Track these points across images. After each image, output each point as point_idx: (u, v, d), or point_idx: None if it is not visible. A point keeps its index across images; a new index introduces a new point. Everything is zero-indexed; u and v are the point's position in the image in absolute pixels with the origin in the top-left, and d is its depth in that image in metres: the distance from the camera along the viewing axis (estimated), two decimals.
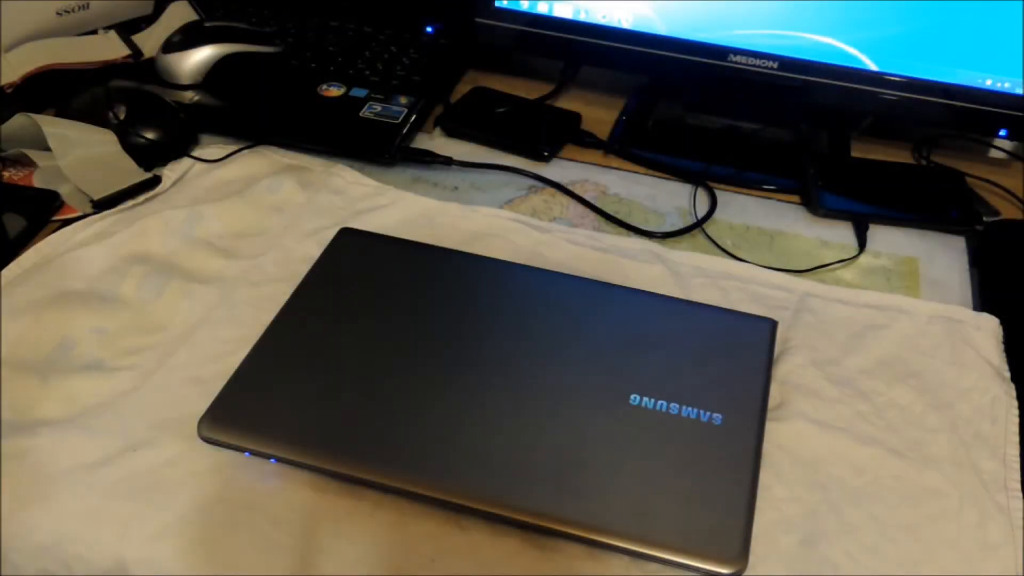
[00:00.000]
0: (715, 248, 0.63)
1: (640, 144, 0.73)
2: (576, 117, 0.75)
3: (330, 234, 0.58)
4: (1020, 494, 0.46)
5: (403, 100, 0.73)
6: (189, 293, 0.56)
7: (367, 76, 0.76)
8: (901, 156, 0.74)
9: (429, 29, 0.83)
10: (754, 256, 0.62)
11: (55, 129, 0.63)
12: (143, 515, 0.43)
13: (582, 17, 0.71)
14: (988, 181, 0.71)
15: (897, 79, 0.67)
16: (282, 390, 0.47)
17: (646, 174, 0.70)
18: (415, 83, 0.76)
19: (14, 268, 0.56)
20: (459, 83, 0.80)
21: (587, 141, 0.73)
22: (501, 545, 0.42)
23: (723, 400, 0.47)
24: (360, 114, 0.71)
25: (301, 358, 0.49)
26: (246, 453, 0.45)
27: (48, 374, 0.50)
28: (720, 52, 0.69)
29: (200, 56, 0.73)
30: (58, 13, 0.73)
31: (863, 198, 0.67)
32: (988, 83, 0.66)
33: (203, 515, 0.43)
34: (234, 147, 0.68)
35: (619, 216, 0.65)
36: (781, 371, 0.52)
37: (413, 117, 0.71)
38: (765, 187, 0.69)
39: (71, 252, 0.58)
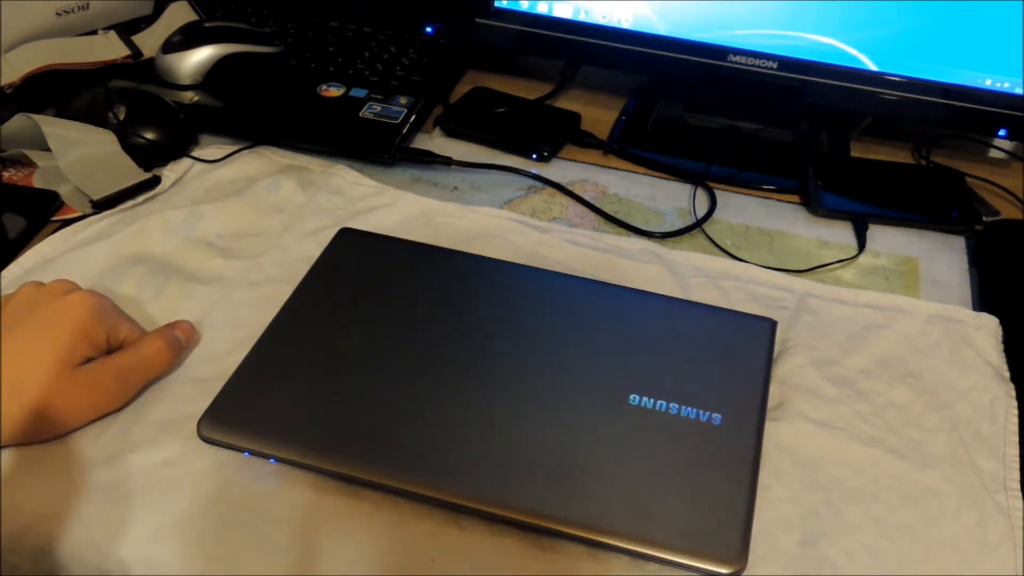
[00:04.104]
0: (715, 248, 0.63)
1: (640, 144, 0.73)
2: (576, 117, 0.75)
3: (330, 234, 0.58)
4: (1020, 494, 0.46)
5: (403, 100, 0.73)
6: (189, 293, 0.56)
7: (367, 76, 0.76)
8: (901, 156, 0.75)
9: (429, 29, 0.83)
10: (754, 256, 0.62)
11: (55, 129, 0.63)
12: (142, 515, 0.43)
13: (582, 17, 0.71)
14: (988, 181, 0.71)
15: (897, 79, 0.67)
16: (282, 390, 0.47)
17: (646, 174, 0.70)
18: (415, 83, 0.76)
19: (14, 268, 0.56)
20: (459, 83, 0.80)
21: (587, 141, 0.73)
22: (501, 545, 0.42)
23: (723, 400, 0.47)
24: (360, 114, 0.71)
25: (301, 358, 0.49)
26: (246, 453, 0.45)
27: None
28: (720, 52, 0.69)
29: (200, 56, 0.73)
30: (58, 13, 0.73)
31: (863, 198, 0.67)
32: (988, 83, 0.66)
33: (203, 515, 0.43)
34: (234, 147, 0.68)
35: (619, 216, 0.65)
36: (781, 371, 0.52)
37: (413, 117, 0.71)
38: (765, 187, 0.69)
39: (71, 252, 0.58)
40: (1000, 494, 0.46)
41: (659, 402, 0.47)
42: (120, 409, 0.48)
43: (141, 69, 0.75)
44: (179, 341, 0.50)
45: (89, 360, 0.46)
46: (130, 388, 0.48)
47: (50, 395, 0.44)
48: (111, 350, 0.48)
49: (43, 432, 0.45)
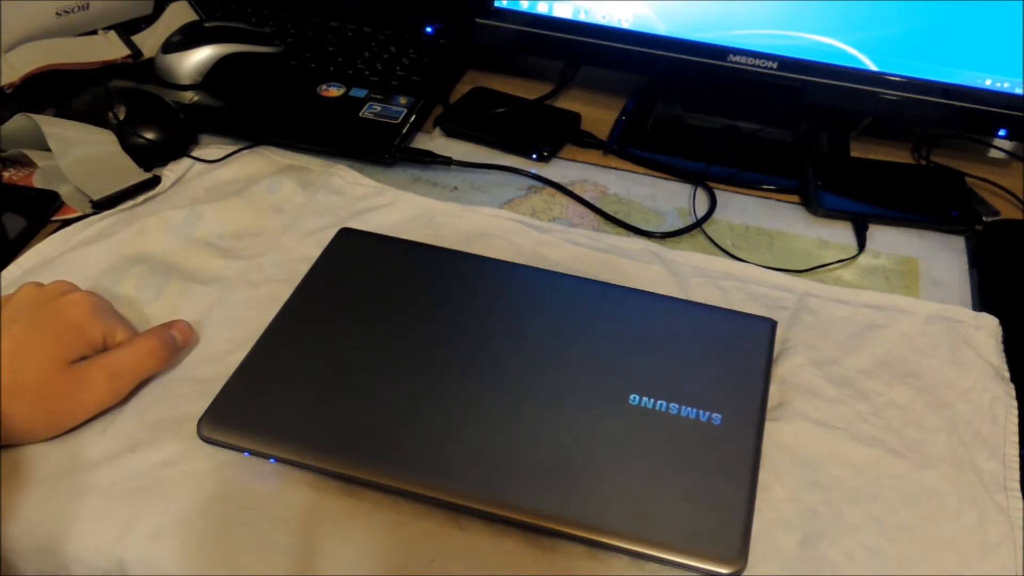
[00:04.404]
0: (715, 248, 0.63)
1: (640, 144, 0.73)
2: (576, 117, 0.75)
3: (330, 234, 0.58)
4: (1019, 494, 0.46)
5: (403, 100, 0.73)
6: (189, 293, 0.56)
7: (367, 76, 0.76)
8: (901, 156, 0.75)
9: (429, 29, 0.83)
10: (754, 256, 0.62)
11: (55, 129, 0.63)
12: (142, 515, 0.43)
13: (582, 17, 0.71)
14: (988, 181, 0.71)
15: (897, 79, 0.67)
16: (282, 390, 0.47)
17: (646, 174, 0.70)
18: (415, 83, 0.76)
19: (14, 269, 0.56)
20: (459, 83, 0.80)
21: (587, 141, 0.73)
22: (501, 545, 0.42)
23: (722, 400, 0.47)
24: (360, 114, 0.71)
25: (300, 358, 0.49)
26: (246, 453, 0.45)
27: None
28: (720, 52, 0.69)
29: (200, 56, 0.73)
30: (58, 13, 0.73)
31: (863, 198, 0.67)
32: (988, 83, 0.66)
33: (202, 515, 0.43)
34: (234, 147, 0.68)
35: (619, 216, 0.65)
36: (780, 371, 0.52)
37: (413, 117, 0.71)
38: (765, 187, 0.69)
39: (71, 252, 0.58)
40: (1000, 494, 0.46)
41: (659, 402, 0.47)
42: (117, 408, 0.48)
43: (141, 69, 0.75)
44: (175, 340, 0.50)
45: (84, 358, 0.46)
46: (122, 386, 0.47)
47: (46, 394, 0.44)
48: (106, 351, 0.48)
49: (39, 432, 0.45)
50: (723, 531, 0.42)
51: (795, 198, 0.69)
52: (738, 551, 0.41)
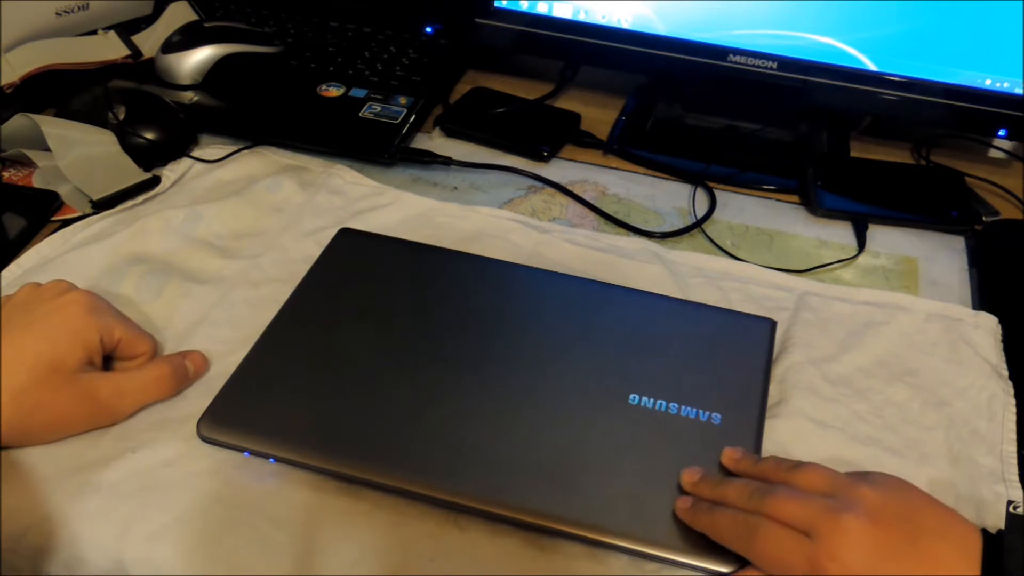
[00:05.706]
0: (714, 248, 0.63)
1: (639, 144, 0.73)
2: (576, 117, 0.75)
3: (329, 234, 0.58)
4: (1019, 485, 0.46)
5: (403, 100, 0.73)
6: (188, 293, 0.56)
7: (367, 76, 0.76)
8: (901, 156, 0.75)
9: (429, 29, 0.83)
10: (753, 256, 0.62)
11: (55, 129, 0.63)
12: (142, 515, 0.43)
13: (582, 17, 0.71)
14: (988, 181, 0.71)
15: (897, 79, 0.67)
16: (281, 390, 0.47)
17: (645, 174, 0.71)
18: (415, 83, 0.76)
19: (14, 269, 0.56)
20: (459, 83, 0.80)
21: (586, 141, 0.73)
22: (500, 544, 0.42)
23: (722, 400, 0.47)
24: (360, 114, 0.71)
25: (300, 358, 0.49)
26: (245, 453, 0.45)
27: None
28: (719, 52, 0.69)
29: (200, 56, 0.73)
30: (58, 13, 0.73)
31: (862, 198, 0.67)
32: (988, 83, 0.66)
33: (202, 515, 0.43)
34: (233, 147, 0.68)
35: (618, 216, 0.65)
36: (780, 369, 0.52)
37: (413, 117, 0.71)
38: (764, 187, 0.69)
39: (71, 252, 0.58)
40: (999, 485, 0.46)
41: (659, 402, 0.47)
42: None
43: (141, 69, 0.75)
44: (187, 372, 0.49)
45: (91, 365, 0.46)
46: (125, 407, 0.47)
47: (43, 396, 0.44)
48: (106, 351, 0.47)
49: (37, 435, 0.45)
50: None
51: (795, 198, 0.69)
52: None
